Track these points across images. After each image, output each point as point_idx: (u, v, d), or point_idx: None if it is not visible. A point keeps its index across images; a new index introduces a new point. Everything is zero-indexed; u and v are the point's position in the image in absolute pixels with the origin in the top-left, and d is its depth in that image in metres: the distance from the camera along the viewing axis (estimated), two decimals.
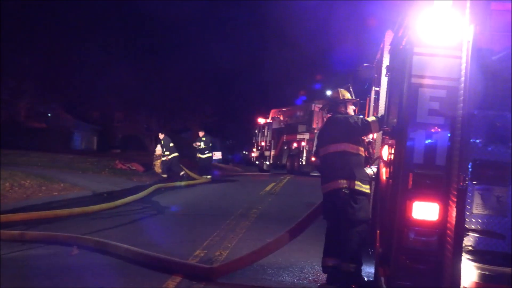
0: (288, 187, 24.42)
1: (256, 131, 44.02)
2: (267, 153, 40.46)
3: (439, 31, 5.01)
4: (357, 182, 7.28)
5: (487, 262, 4.64)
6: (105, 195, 17.57)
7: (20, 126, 45.58)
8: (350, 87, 8.26)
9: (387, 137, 6.96)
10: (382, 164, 7.26)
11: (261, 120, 42.89)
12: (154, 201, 16.99)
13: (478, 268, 4.64)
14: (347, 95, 7.95)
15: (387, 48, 8.75)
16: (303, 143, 33.84)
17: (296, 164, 34.65)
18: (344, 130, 7.49)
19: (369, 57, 12.66)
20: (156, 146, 28.20)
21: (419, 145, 5.04)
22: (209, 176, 26.55)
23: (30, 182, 16.59)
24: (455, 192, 4.72)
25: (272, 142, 39.69)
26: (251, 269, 8.22)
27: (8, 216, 11.75)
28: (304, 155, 33.31)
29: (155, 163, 26.86)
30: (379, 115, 8.33)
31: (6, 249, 9.17)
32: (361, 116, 8.62)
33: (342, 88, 8.07)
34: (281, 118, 39.52)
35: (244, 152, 69.22)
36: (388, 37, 8.75)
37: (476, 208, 4.75)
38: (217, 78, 57.20)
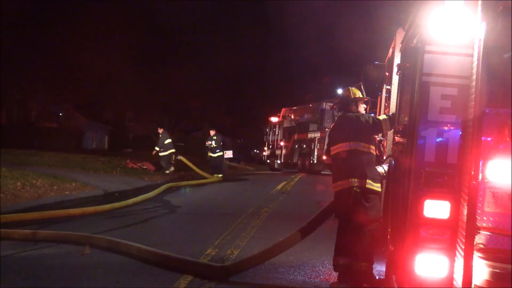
0: (299, 186, 24.40)
1: (267, 130, 43.98)
2: (278, 152, 40.41)
3: (451, 29, 4.99)
4: (369, 181, 7.28)
5: (499, 260, 4.63)
6: (117, 194, 17.63)
7: (32, 126, 45.83)
8: (361, 86, 8.24)
9: (399, 136, 6.95)
10: (393, 162, 7.25)
11: (272, 119, 42.83)
12: (165, 200, 17.02)
13: (490, 266, 4.63)
14: (358, 94, 7.94)
15: (398, 47, 8.73)
16: (314, 142, 33.78)
17: (307, 162, 34.59)
18: (355, 128, 7.49)
19: (380, 55, 12.65)
20: None
21: (430, 143, 5.03)
22: (220, 175, 26.56)
23: (42, 182, 16.66)
24: (466, 190, 4.71)
25: (283, 140, 39.65)
26: (263, 268, 8.23)
27: (20, 215, 11.83)
28: (315, 153, 33.24)
29: None
30: (390, 113, 8.32)
31: (19, 248, 9.24)
32: (372, 115, 8.61)
33: (353, 87, 8.06)
34: (292, 116, 39.44)
35: (255, 151, 69.12)
36: (399, 35, 8.73)
37: (488, 206, 4.74)
38: (228, 77, 57.11)
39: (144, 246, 8.83)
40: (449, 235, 4.94)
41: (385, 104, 10.52)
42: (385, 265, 7.43)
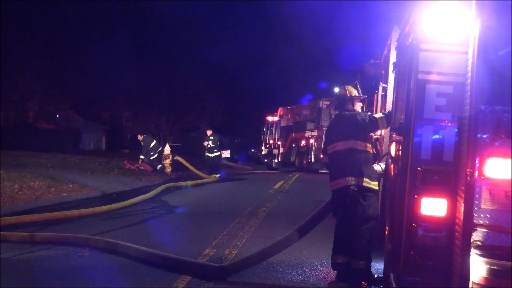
0: (297, 184, 24.41)
1: (264, 129, 44.05)
2: (275, 151, 40.47)
3: (446, 27, 5.00)
4: (366, 179, 7.30)
5: (496, 257, 4.63)
6: (114, 195, 17.61)
7: (29, 127, 45.78)
8: (357, 84, 8.25)
9: (395, 134, 6.96)
10: (390, 160, 7.26)
11: (269, 118, 42.87)
12: (163, 200, 17.02)
13: (487, 263, 4.63)
14: (354, 92, 7.95)
15: (394, 45, 8.74)
16: (311, 141, 33.83)
17: (304, 161, 34.64)
18: (351, 127, 7.50)
19: (376, 53, 12.66)
20: (165, 146, 28.29)
21: (426, 141, 5.04)
22: (217, 175, 26.58)
23: (39, 183, 16.64)
24: (463, 188, 4.72)
25: (281, 140, 39.70)
26: (261, 267, 8.24)
27: (18, 217, 11.81)
28: (313, 152, 33.30)
29: (164, 162, 26.89)
30: (387, 111, 8.33)
31: (17, 250, 9.23)
32: (369, 113, 8.63)
33: (349, 85, 8.08)
34: (289, 115, 39.50)
35: (252, 150, 69.19)
36: (395, 33, 8.74)
37: (484, 203, 4.75)
38: (225, 77, 57.27)
39: (142, 247, 8.83)
40: (446, 232, 4.95)
41: (381, 102, 10.53)
42: (383, 263, 7.44)
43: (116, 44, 42.60)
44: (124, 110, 54.04)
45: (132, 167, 26.22)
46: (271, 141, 41.63)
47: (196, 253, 9.16)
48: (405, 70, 6.33)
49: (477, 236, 4.75)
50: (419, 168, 5.01)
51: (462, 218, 4.67)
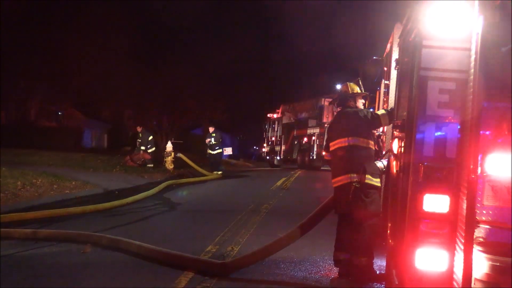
0: (299, 182, 24.44)
1: (266, 126, 44.05)
2: (277, 148, 40.49)
3: (448, 24, 4.98)
4: (368, 176, 7.29)
5: (499, 253, 4.63)
6: (117, 192, 17.62)
7: (31, 125, 45.75)
8: (360, 81, 8.25)
9: (397, 130, 6.96)
10: (392, 157, 7.26)
11: (271, 115, 42.88)
12: (165, 197, 17.04)
13: (490, 259, 4.63)
14: (356, 89, 7.95)
15: (396, 41, 8.72)
16: (313, 138, 33.83)
17: (306, 158, 34.66)
18: (353, 124, 7.49)
19: (378, 50, 12.65)
20: (167, 143, 28.34)
21: (429, 137, 5.02)
22: (220, 172, 26.59)
23: (42, 181, 16.68)
24: (465, 184, 4.71)
25: (283, 137, 39.70)
26: (263, 264, 8.25)
27: (21, 214, 11.82)
28: (315, 149, 33.32)
29: (165, 159, 26.93)
30: (389, 108, 8.32)
31: (20, 247, 9.25)
32: (371, 110, 8.62)
33: (351, 82, 8.07)
34: (291, 113, 39.50)
35: (254, 147, 69.19)
36: (397, 30, 8.72)
37: (487, 199, 4.75)
38: (227, 74, 57.23)
39: (145, 243, 8.84)
40: (449, 229, 4.94)
41: (383, 99, 10.52)
42: (385, 260, 7.44)
43: (118, 43, 42.44)
44: (126, 108, 53.92)
45: (134, 164, 26.28)
46: (273, 138, 41.65)
47: (198, 250, 9.17)
48: (407, 67, 6.31)
49: (479, 232, 4.75)
50: (421, 165, 5.00)
51: (464, 214, 4.67)
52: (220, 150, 27.13)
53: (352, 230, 7.39)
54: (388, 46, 9.98)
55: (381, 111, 7.85)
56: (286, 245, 8.17)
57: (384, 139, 9.36)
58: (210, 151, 27.01)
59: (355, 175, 7.30)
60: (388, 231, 7.10)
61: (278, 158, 40.25)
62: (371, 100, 12.61)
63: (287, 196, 18.08)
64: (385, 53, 10.77)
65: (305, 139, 35.11)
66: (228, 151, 30.83)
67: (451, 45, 5.00)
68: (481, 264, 4.64)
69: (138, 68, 43.24)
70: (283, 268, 8.25)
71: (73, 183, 17.68)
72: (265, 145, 44.44)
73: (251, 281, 7.58)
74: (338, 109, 8.21)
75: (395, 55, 8.71)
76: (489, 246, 4.69)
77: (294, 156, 37.14)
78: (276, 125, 41.58)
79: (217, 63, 52.26)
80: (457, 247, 4.86)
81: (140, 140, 26.96)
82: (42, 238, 9.88)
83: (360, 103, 7.96)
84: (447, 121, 4.99)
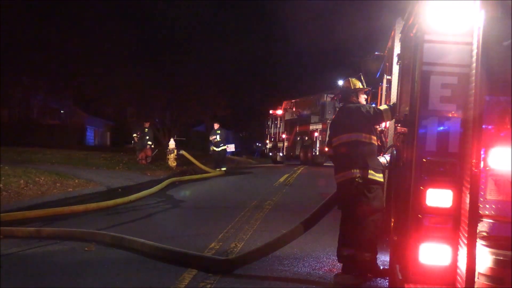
0: (302, 178, 24.44)
1: (269, 122, 44.05)
2: (280, 145, 40.49)
3: (450, 18, 4.98)
4: (371, 171, 7.28)
5: (502, 247, 4.63)
6: (120, 190, 17.64)
7: (33, 123, 45.84)
8: (362, 76, 8.24)
9: (400, 125, 6.95)
10: (395, 152, 7.25)
11: (274, 112, 42.87)
12: (168, 195, 17.05)
13: (493, 253, 4.62)
14: (358, 85, 7.93)
15: (398, 36, 8.71)
16: (316, 134, 33.82)
17: (309, 154, 34.65)
18: (356, 119, 7.48)
19: (380, 45, 12.63)
20: (169, 140, 28.40)
21: (431, 132, 5.02)
22: (223, 169, 26.59)
23: (45, 179, 16.70)
24: (468, 179, 4.71)
25: (285, 133, 39.69)
26: (267, 260, 8.25)
27: (24, 213, 11.85)
28: (317, 145, 33.32)
29: (168, 156, 26.95)
30: (391, 103, 8.31)
31: (23, 246, 9.26)
32: (373, 105, 8.61)
33: (353, 78, 8.06)
34: (294, 109, 39.48)
35: (257, 144, 69.17)
36: (399, 25, 8.71)
37: (490, 194, 4.74)
38: (229, 70, 57.09)
39: (148, 241, 8.85)
40: (452, 223, 4.94)
41: (385, 94, 10.51)
42: (389, 255, 7.44)
43: (120, 40, 42.47)
44: (128, 105, 53.93)
45: (146, 163, 26.65)
46: (276, 135, 41.65)
47: (202, 246, 9.18)
48: (409, 62, 6.30)
49: (482, 226, 4.75)
50: (424, 160, 5.00)
51: (467, 209, 4.67)
52: (224, 147, 27.13)
53: (355, 225, 7.38)
54: (390, 41, 9.97)
55: (383, 106, 7.84)
56: (290, 241, 8.16)
57: (386, 134, 9.35)
58: (215, 148, 26.97)
59: (358, 170, 7.28)
60: (392, 226, 7.10)
61: (281, 154, 40.25)
62: (373, 96, 12.59)
63: (290, 192, 18.08)
64: (386, 48, 10.76)
65: (308, 135, 35.10)
66: (231, 148, 30.82)
67: (452, 40, 5.00)
68: (485, 258, 4.63)
69: (141, 65, 43.26)
70: (287, 264, 8.26)
71: (76, 181, 17.70)
72: (267, 141, 44.45)
73: (255, 277, 7.59)
74: (341, 105, 8.20)
75: (396, 50, 8.71)
76: (492, 240, 4.69)
77: (297, 152, 37.14)
78: (278, 122, 41.57)
79: (219, 60, 52.17)
80: (460, 242, 4.86)
81: (148, 137, 27.19)
82: (46, 236, 9.90)
83: (363, 98, 7.95)
84: (449, 115, 4.99)
